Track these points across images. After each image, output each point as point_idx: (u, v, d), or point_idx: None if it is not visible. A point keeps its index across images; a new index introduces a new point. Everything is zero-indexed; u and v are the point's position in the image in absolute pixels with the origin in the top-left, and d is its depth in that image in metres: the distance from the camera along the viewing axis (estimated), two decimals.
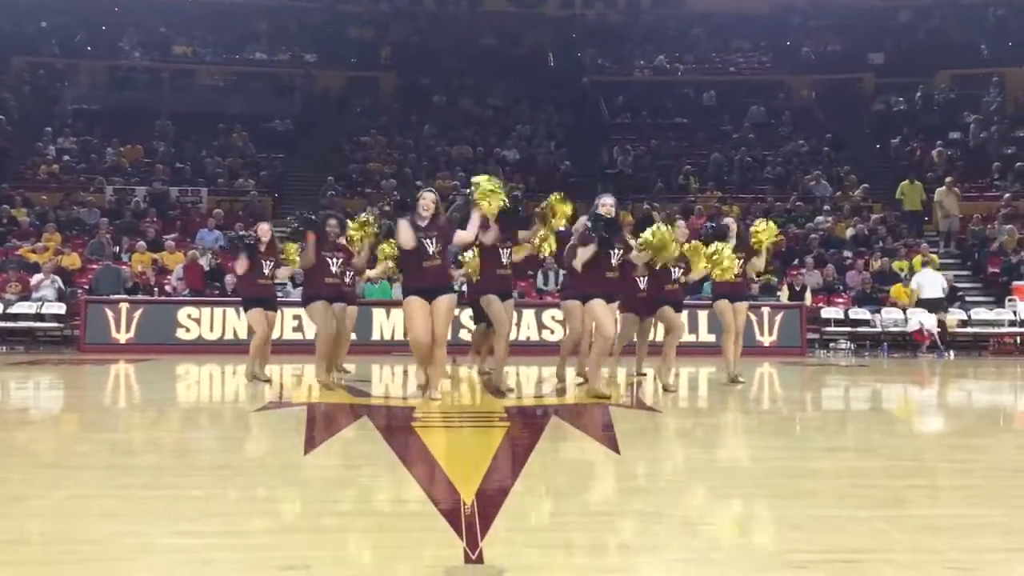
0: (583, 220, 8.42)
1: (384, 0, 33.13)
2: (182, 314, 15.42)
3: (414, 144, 25.58)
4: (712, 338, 14.64)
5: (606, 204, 7.96)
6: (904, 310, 17.33)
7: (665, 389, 8.78)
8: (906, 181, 21.61)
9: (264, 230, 9.72)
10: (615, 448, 5.40)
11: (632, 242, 8.42)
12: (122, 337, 15.34)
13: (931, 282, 17.30)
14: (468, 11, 32.81)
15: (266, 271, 9.59)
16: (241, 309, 10.89)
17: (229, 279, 16.80)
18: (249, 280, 9.59)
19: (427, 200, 7.52)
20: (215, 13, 31.70)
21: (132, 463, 5.09)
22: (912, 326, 16.75)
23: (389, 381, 10.41)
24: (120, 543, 3.27)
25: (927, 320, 16.64)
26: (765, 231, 9.51)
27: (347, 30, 31.17)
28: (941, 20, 31.23)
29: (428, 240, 7.39)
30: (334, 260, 8.89)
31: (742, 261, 9.37)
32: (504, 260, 8.57)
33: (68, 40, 28.85)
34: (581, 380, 9.53)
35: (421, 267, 7.43)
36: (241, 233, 14.53)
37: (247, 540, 3.41)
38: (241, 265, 9.53)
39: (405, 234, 7.39)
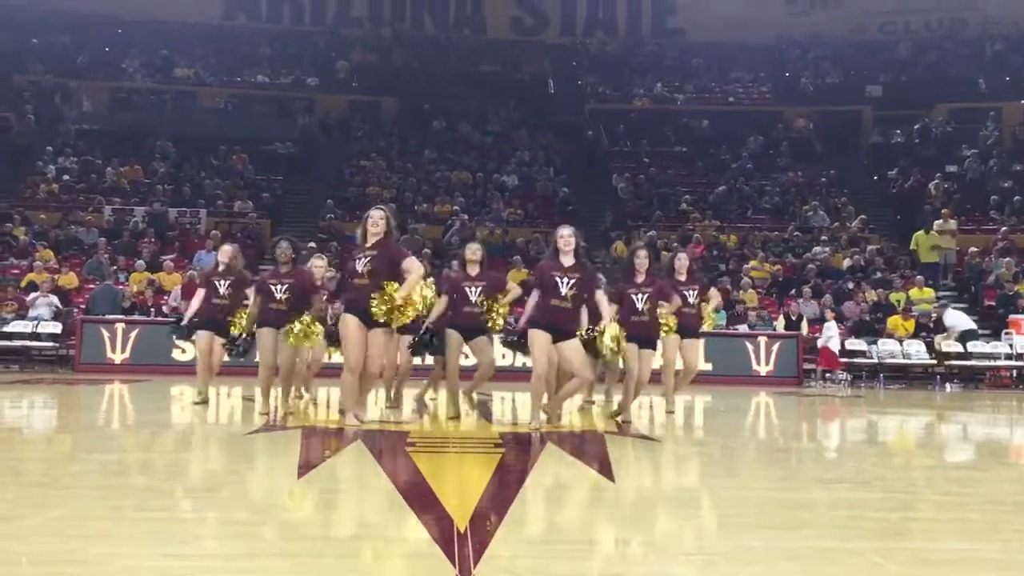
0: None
1: (386, 25, 33.40)
2: None
3: (414, 168, 25.67)
4: (708, 367, 14.68)
5: (563, 236, 7.48)
6: (901, 341, 17.37)
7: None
8: (920, 232, 20.91)
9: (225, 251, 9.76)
10: (610, 476, 5.37)
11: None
12: (117, 357, 15.31)
13: (961, 320, 17.70)
14: (470, 37, 33.08)
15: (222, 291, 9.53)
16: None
17: None
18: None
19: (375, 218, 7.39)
20: (217, 36, 31.93)
21: (124, 484, 5.06)
22: (831, 343, 16.27)
23: (384, 405, 10.36)
24: (110, 564, 3.25)
25: (835, 344, 16.43)
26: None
27: (349, 55, 31.36)
28: (939, 54, 31.48)
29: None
30: (278, 287, 8.39)
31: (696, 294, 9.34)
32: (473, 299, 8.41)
33: (71, 61, 29.00)
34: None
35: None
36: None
37: (237, 564, 3.38)
38: None
39: None
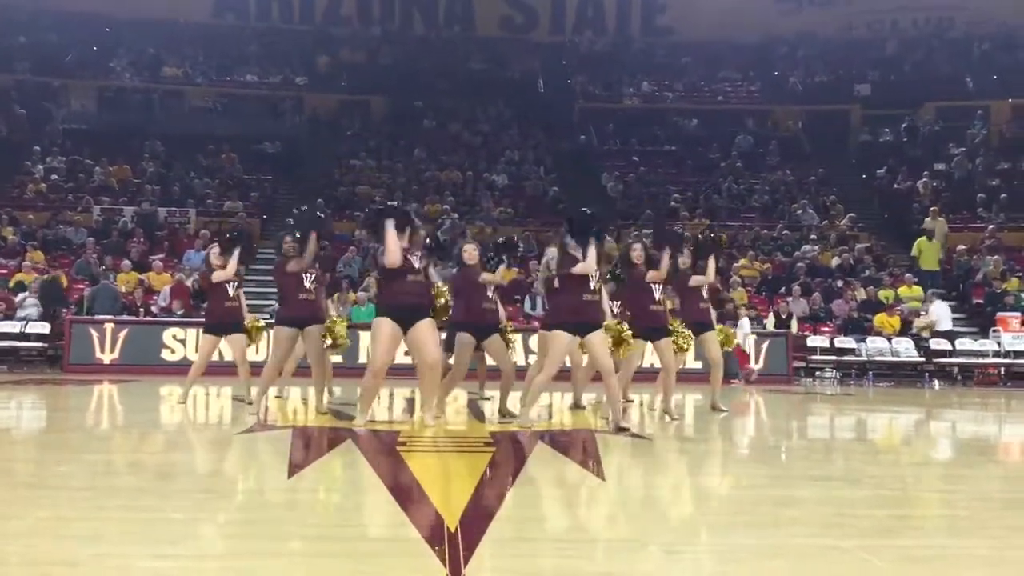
0: (551, 251, 8.30)
1: (375, 24, 33.36)
2: (167, 335, 15.36)
3: (403, 168, 25.63)
4: (698, 365, 14.67)
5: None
6: (889, 339, 17.45)
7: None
8: (923, 238, 20.51)
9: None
10: (600, 474, 5.38)
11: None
12: (106, 357, 15.26)
13: (946, 315, 17.55)
14: (459, 36, 33.05)
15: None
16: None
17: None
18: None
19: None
20: (206, 35, 31.84)
21: (113, 484, 5.04)
22: (746, 341, 15.76)
23: (375, 405, 10.35)
24: (100, 565, 3.24)
25: (747, 343, 16.08)
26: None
27: (338, 53, 31.31)
28: (927, 53, 31.62)
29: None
30: (308, 275, 8.31)
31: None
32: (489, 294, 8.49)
33: (59, 59, 28.86)
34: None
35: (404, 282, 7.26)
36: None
37: (226, 564, 3.38)
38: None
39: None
